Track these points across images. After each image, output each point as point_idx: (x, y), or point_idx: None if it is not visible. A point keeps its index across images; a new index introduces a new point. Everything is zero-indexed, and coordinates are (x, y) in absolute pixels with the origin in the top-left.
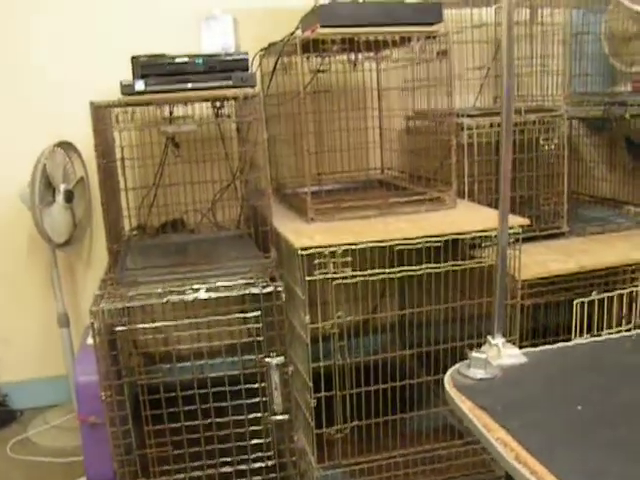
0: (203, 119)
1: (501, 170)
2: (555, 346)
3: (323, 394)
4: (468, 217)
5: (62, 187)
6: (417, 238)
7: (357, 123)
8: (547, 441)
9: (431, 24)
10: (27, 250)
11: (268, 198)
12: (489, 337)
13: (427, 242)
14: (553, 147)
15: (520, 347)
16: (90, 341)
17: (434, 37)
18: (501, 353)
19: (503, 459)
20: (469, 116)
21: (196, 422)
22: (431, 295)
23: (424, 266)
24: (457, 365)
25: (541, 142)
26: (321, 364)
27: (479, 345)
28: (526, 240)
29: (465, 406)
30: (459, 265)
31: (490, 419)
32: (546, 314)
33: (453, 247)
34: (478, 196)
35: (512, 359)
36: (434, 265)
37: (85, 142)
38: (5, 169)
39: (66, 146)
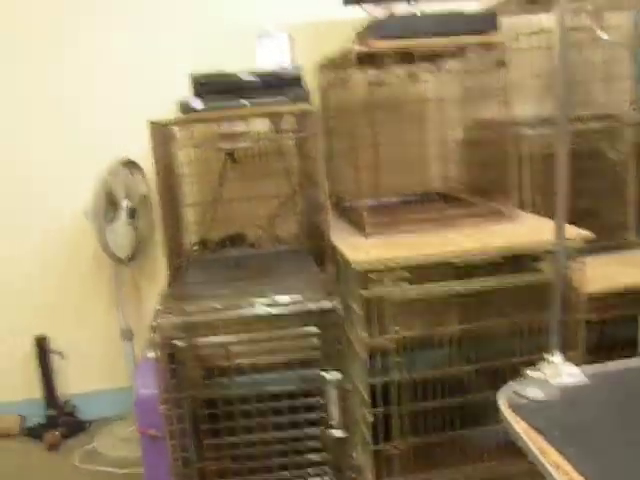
0: (261, 134)
1: (557, 180)
2: (620, 363)
3: (381, 410)
4: (530, 230)
5: (125, 204)
6: (476, 252)
7: (415, 135)
8: (603, 470)
9: (486, 33)
10: (92, 265)
11: (326, 213)
12: (547, 355)
13: (487, 256)
14: (619, 155)
15: (585, 363)
16: (151, 355)
17: (490, 46)
18: (560, 372)
19: None
20: (530, 126)
21: (254, 436)
22: (492, 310)
23: (484, 280)
24: (512, 383)
25: (606, 150)
26: (378, 380)
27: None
28: (592, 252)
29: (519, 427)
30: (520, 279)
31: (545, 442)
32: (613, 329)
33: (514, 260)
34: (540, 209)
35: (572, 378)
36: (494, 279)
37: (148, 159)
38: (70, 186)
39: (129, 164)
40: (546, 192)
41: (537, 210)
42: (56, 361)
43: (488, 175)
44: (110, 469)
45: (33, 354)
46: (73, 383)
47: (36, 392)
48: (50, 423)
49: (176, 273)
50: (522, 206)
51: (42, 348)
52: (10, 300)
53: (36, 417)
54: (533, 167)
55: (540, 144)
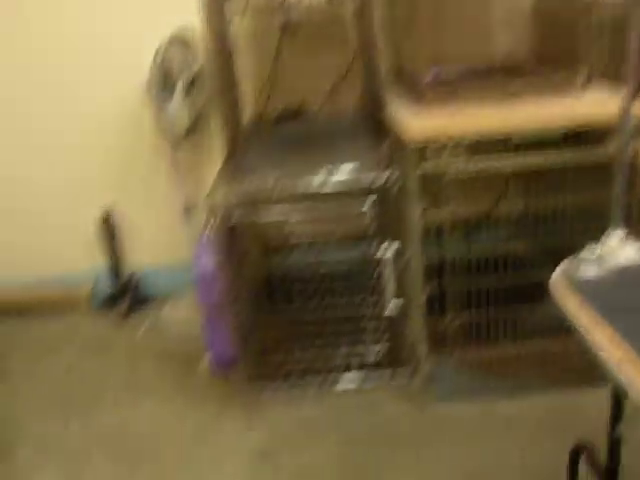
0: (317, 3)
1: (629, 51)
2: None
3: (436, 284)
4: (596, 104)
5: (181, 79)
6: (539, 125)
7: (480, 1)
8: None
9: None
10: (154, 140)
11: (385, 84)
12: (606, 234)
13: (550, 131)
14: None
15: None
16: (210, 229)
17: None
18: (618, 251)
19: (607, 361)
20: None
21: (312, 306)
22: (553, 188)
23: (545, 155)
24: (569, 261)
25: None
26: (434, 257)
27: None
28: None
29: (572, 302)
30: (584, 155)
31: (597, 318)
32: None
33: (580, 136)
34: (611, 82)
35: (630, 257)
36: (556, 155)
37: (202, 34)
38: (131, 58)
39: (185, 38)
40: (617, 64)
41: (607, 83)
42: (122, 235)
43: (557, 45)
44: (171, 344)
45: (100, 228)
46: (138, 257)
47: (103, 265)
48: (116, 295)
49: (233, 148)
50: (591, 79)
51: (108, 222)
52: (77, 174)
53: (103, 291)
54: (605, 37)
55: (613, 12)
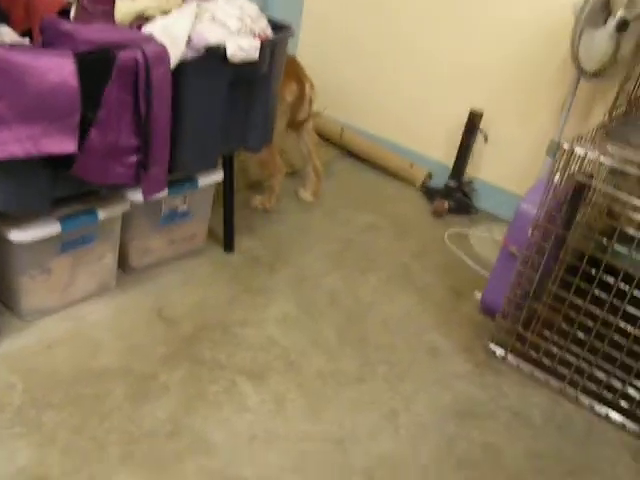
0: None
1: None
2: None
3: None
4: None
5: (620, 13)
6: None
7: None
8: None
9: None
10: (553, 64)
11: None
12: None
13: None
14: None
15: None
16: (556, 176)
17: None
18: None
19: None
20: None
21: (618, 309)
22: None
23: None
24: None
25: None
26: None
27: None
28: None
29: None
30: None
31: None
32: None
33: None
34: None
35: None
36: None
37: None
38: None
39: None
40: None
41: None
42: (479, 141)
43: None
44: (467, 259)
45: (463, 125)
46: (483, 168)
47: (449, 160)
48: (445, 192)
49: (629, 109)
50: None
51: (473, 123)
52: (462, 74)
53: (437, 181)
54: None
55: None
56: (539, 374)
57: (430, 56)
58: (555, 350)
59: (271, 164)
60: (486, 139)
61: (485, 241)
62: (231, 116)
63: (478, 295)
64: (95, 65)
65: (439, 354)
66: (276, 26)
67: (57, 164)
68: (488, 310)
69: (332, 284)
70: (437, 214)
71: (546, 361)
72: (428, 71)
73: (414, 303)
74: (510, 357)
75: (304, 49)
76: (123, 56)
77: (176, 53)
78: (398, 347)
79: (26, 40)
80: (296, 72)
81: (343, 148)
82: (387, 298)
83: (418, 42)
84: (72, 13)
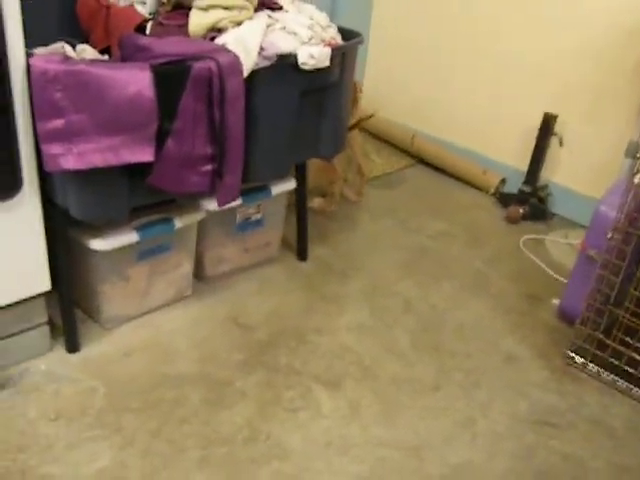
0: None
1: None
2: None
3: None
4: None
5: None
6: None
7: None
8: None
9: None
10: (632, 65)
11: None
12: None
13: None
14: None
15: None
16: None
17: None
18: None
19: None
20: None
21: None
22: None
23: None
24: None
25: None
26: None
27: None
28: None
29: None
30: None
31: None
32: None
33: None
34: None
35: None
36: None
37: None
38: None
39: None
40: None
41: None
42: (554, 144)
43: None
44: (544, 265)
45: (537, 128)
46: (558, 172)
47: (523, 165)
48: (519, 198)
49: None
50: None
51: (547, 126)
52: (535, 76)
53: (511, 186)
54: None
55: None
56: (621, 383)
57: (502, 59)
58: (638, 358)
59: (330, 170)
60: (561, 142)
61: (562, 246)
62: (303, 124)
63: (556, 301)
64: (171, 76)
65: (515, 361)
66: (346, 34)
67: (135, 174)
68: (566, 316)
69: (405, 291)
70: (511, 220)
71: (628, 369)
72: (500, 74)
73: (489, 310)
74: (590, 365)
75: (373, 56)
76: (197, 67)
77: (249, 63)
78: (473, 354)
79: (105, 57)
80: None
81: (415, 155)
82: (461, 305)
83: (489, 45)
84: (148, 29)
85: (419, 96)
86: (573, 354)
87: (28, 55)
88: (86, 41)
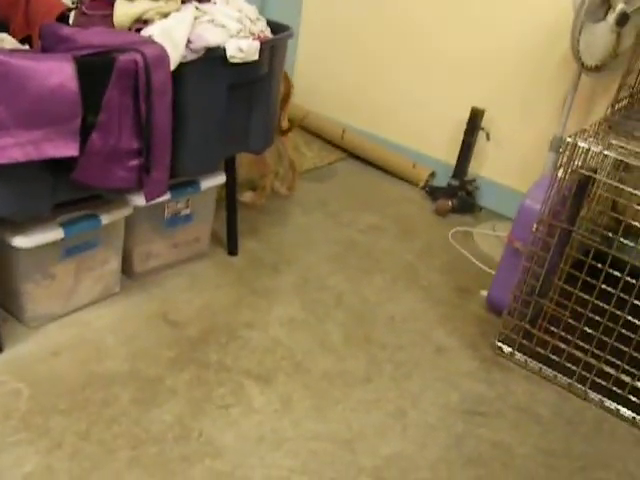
0: None
1: None
2: None
3: None
4: None
5: (620, 7)
6: None
7: None
8: None
9: None
10: (554, 61)
11: None
12: None
13: None
14: None
15: None
16: (559, 171)
17: None
18: None
19: None
20: None
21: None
22: None
23: None
24: None
25: None
26: None
27: None
28: None
29: None
30: None
31: None
32: None
33: None
34: None
35: None
36: None
37: None
38: None
39: None
40: None
41: None
42: (482, 138)
43: None
44: (472, 257)
45: (465, 123)
46: (485, 166)
47: (451, 159)
48: (448, 191)
49: (631, 103)
50: None
51: (474, 121)
52: (462, 72)
53: (440, 180)
54: None
55: None
56: (547, 371)
57: (430, 55)
58: (563, 346)
59: (261, 163)
60: (488, 137)
61: (490, 239)
62: (232, 118)
63: (484, 293)
64: (95, 68)
65: (445, 352)
66: (275, 27)
67: (58, 168)
68: (494, 307)
69: (337, 285)
70: (440, 213)
71: (554, 357)
72: (428, 70)
73: (419, 302)
74: (517, 354)
75: (303, 50)
76: (123, 59)
77: (176, 55)
78: (404, 346)
79: (26, 47)
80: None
81: (345, 150)
82: (392, 298)
83: (418, 41)
84: (71, 19)
85: (349, 90)
86: (501, 344)
87: None
88: (5, 30)
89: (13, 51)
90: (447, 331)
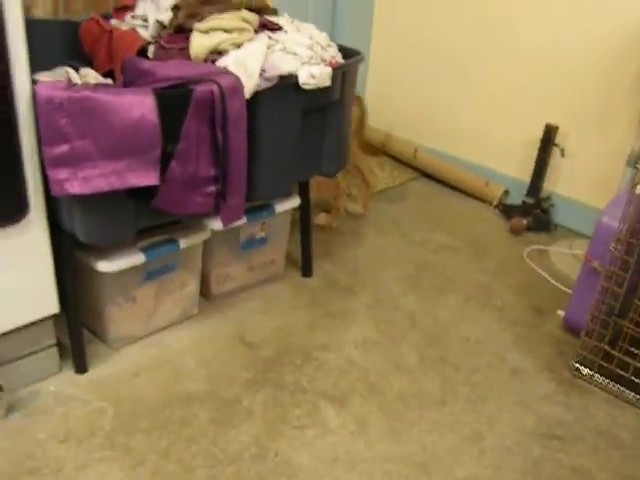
0: None
1: None
2: None
3: None
4: None
5: None
6: None
7: None
8: None
9: None
10: (632, 75)
11: None
12: None
13: None
14: None
15: None
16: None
17: None
18: None
19: None
20: None
21: None
22: None
23: None
24: None
25: None
26: None
27: None
28: None
29: None
30: None
31: None
32: None
33: None
34: None
35: None
36: None
37: None
38: None
39: None
40: None
41: None
42: (555, 155)
43: None
44: (548, 277)
45: (539, 140)
46: (561, 183)
47: (525, 176)
48: (522, 209)
49: None
50: None
51: (548, 137)
52: (535, 87)
53: (514, 198)
54: None
55: None
56: (628, 393)
57: (502, 72)
58: None
59: (334, 185)
60: (562, 153)
61: (566, 257)
62: (306, 143)
63: (561, 313)
64: (174, 100)
65: (521, 374)
66: (346, 52)
67: (140, 196)
68: (572, 328)
69: (411, 305)
70: (515, 231)
71: (635, 379)
72: (500, 87)
73: (494, 322)
74: (596, 376)
75: (374, 71)
76: (200, 90)
77: (250, 84)
78: (479, 368)
79: (109, 80)
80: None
81: (417, 169)
82: (466, 318)
83: (491, 57)
84: (150, 52)
85: (420, 110)
86: (579, 365)
87: (33, 82)
88: (89, 64)
89: (97, 86)
90: (523, 352)
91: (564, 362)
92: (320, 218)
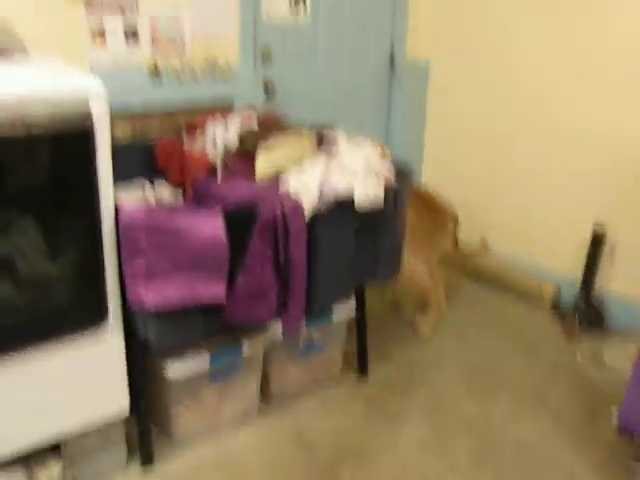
0: None
1: None
2: None
3: None
4: None
5: None
6: None
7: None
8: None
9: None
10: None
11: None
12: None
13: None
14: None
15: None
16: None
17: None
18: None
19: None
20: None
21: None
22: None
23: None
24: None
25: None
26: None
27: None
28: None
29: None
30: None
31: None
32: None
33: None
34: None
35: None
36: None
37: None
38: None
39: None
40: None
41: None
42: (606, 253)
43: None
44: (602, 377)
45: (588, 238)
46: (613, 281)
47: (577, 274)
48: (575, 308)
49: None
50: None
51: (598, 238)
52: (584, 185)
53: (566, 295)
54: None
55: None
56: None
57: (549, 172)
58: None
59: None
60: (612, 252)
61: (620, 357)
62: (360, 254)
63: (615, 414)
64: (241, 221)
65: (576, 477)
66: (398, 167)
67: (208, 309)
68: (626, 430)
69: (465, 407)
70: (568, 332)
71: None
72: (549, 186)
73: (548, 425)
74: None
75: (428, 171)
76: (264, 212)
77: (310, 205)
78: (534, 471)
79: (179, 192)
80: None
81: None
82: (520, 420)
83: (537, 158)
84: (219, 172)
85: (471, 209)
86: (637, 466)
87: (116, 206)
88: (163, 176)
89: (172, 208)
90: (577, 454)
91: (619, 464)
92: (418, 323)
